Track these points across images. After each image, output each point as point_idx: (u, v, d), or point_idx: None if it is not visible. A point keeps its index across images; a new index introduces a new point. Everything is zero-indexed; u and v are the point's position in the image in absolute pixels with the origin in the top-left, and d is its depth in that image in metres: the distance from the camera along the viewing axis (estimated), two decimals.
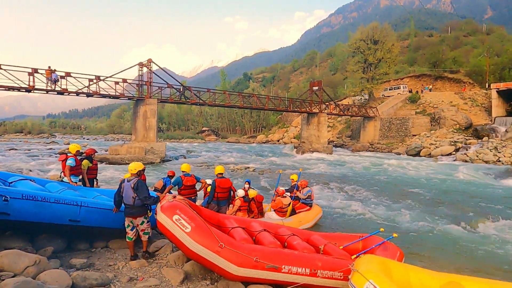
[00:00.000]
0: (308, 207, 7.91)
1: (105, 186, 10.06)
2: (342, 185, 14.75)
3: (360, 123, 41.27)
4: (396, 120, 38.09)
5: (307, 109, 34.02)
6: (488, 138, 29.41)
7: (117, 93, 23.32)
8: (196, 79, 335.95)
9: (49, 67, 20.39)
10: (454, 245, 7.14)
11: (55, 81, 20.40)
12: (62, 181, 6.78)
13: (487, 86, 39.16)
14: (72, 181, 6.56)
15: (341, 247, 5.33)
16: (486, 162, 24.34)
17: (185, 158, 26.67)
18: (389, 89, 47.34)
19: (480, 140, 29.63)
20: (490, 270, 5.84)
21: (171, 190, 6.72)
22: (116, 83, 23.14)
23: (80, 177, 7.03)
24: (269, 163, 24.78)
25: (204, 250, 4.10)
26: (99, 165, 13.72)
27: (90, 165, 7.32)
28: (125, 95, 24.21)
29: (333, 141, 44.13)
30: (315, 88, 34.83)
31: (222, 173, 6.61)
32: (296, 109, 34.46)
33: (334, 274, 4.28)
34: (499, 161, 24.26)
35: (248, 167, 20.72)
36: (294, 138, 52.15)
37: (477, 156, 25.42)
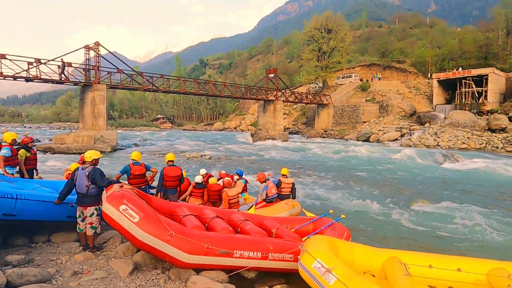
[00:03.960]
0: (265, 203, 6.89)
1: (48, 177, 9.39)
2: (296, 171, 15.15)
3: (315, 110, 42.44)
4: (348, 107, 39.67)
5: (264, 96, 34.23)
6: (430, 124, 31.75)
7: (61, 78, 21.70)
8: (149, 64, 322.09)
9: None
10: (395, 224, 7.69)
11: None
12: None
13: (429, 76, 42.01)
14: (7, 173, 6.02)
15: (293, 230, 5.47)
16: (427, 146, 26.35)
17: (137, 146, 25.71)
18: (342, 78, 48.97)
19: (422, 126, 31.90)
20: (428, 245, 6.38)
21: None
22: (59, 67, 21.49)
23: (18, 168, 6.49)
24: (225, 150, 24.70)
25: (153, 239, 3.99)
26: (42, 155, 12.79)
27: (28, 154, 6.77)
28: (71, 80, 22.59)
29: (289, 128, 45.04)
30: (271, 75, 35.09)
31: (172, 161, 6.43)
32: (252, 97, 34.53)
33: (285, 256, 4.40)
34: (438, 145, 26.40)
35: (204, 155, 20.50)
36: (251, 125, 52.36)
37: (420, 141, 27.41)
